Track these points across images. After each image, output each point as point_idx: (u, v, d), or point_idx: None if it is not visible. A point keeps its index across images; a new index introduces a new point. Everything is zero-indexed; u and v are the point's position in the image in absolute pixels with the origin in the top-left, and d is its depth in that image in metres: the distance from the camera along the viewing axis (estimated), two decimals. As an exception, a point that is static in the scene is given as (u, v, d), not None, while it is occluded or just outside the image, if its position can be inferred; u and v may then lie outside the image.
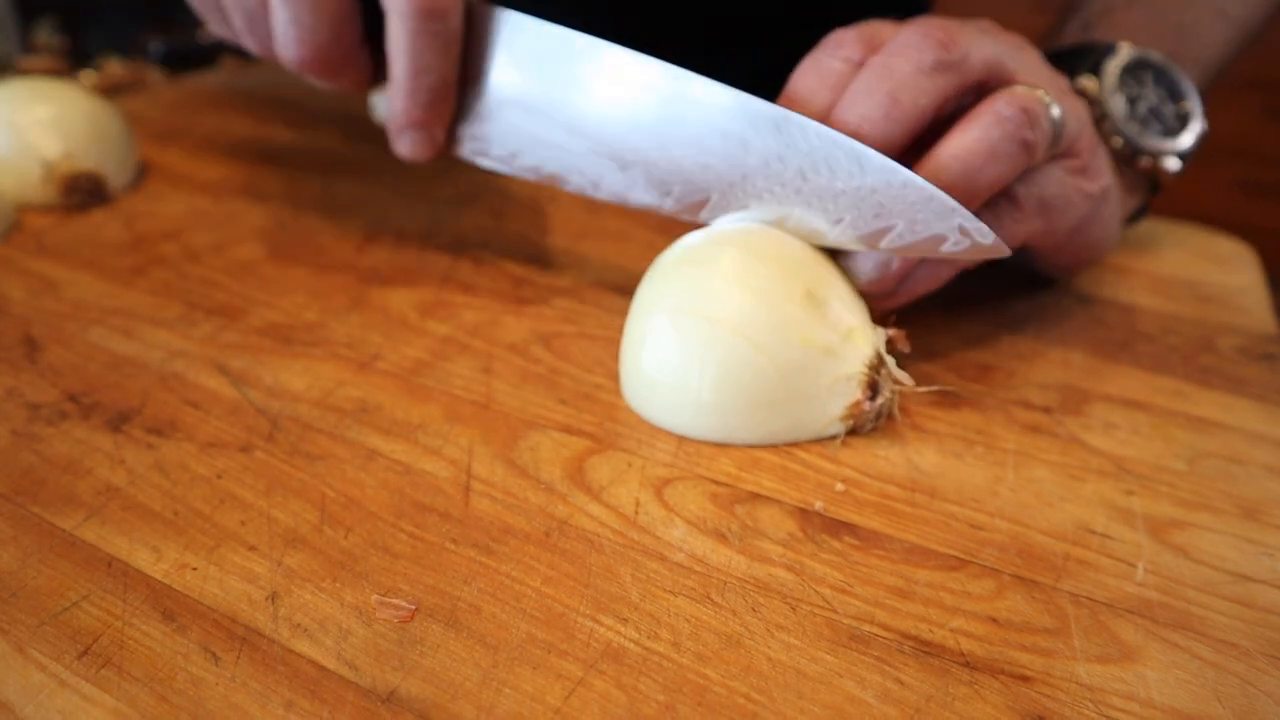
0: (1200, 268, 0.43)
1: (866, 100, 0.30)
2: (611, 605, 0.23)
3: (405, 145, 0.36)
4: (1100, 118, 0.36)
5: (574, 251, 0.42)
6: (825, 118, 0.31)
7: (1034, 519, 0.27)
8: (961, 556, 0.25)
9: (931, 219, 0.29)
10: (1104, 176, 0.34)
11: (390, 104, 0.35)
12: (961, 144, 0.29)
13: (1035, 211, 0.32)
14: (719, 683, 0.21)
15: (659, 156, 0.32)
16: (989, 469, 0.28)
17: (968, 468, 0.28)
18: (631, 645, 0.22)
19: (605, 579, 0.24)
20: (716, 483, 0.27)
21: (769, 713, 0.20)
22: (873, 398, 0.28)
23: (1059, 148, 0.32)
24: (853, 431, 0.29)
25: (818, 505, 0.27)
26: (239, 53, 0.65)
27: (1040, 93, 0.30)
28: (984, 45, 0.31)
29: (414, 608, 0.23)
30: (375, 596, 0.23)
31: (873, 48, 0.31)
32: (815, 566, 0.25)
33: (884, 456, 0.29)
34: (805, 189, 0.30)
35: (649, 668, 0.21)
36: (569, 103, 0.33)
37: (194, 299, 0.36)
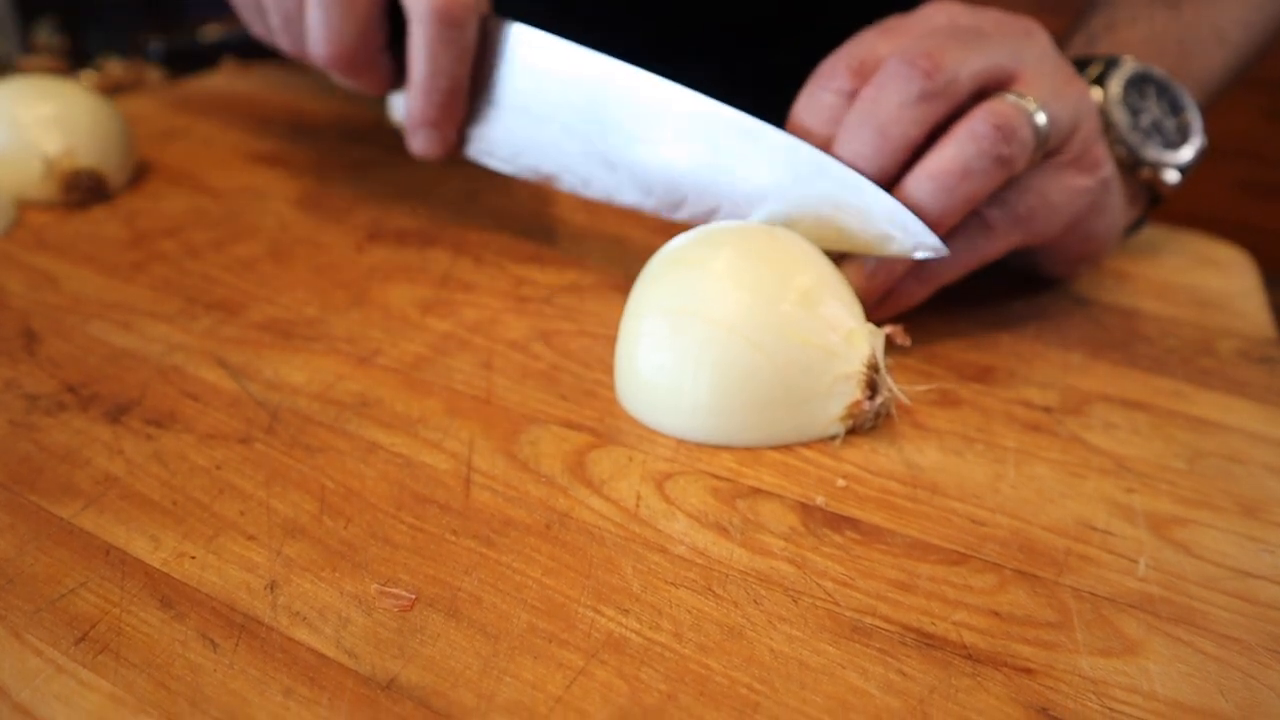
0: (1199, 273, 0.43)
1: (857, 137, 0.31)
2: (613, 596, 0.23)
3: (419, 143, 0.39)
4: (1104, 128, 0.36)
5: (574, 251, 0.42)
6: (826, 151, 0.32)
7: (1035, 515, 0.26)
8: (963, 551, 0.25)
9: (879, 219, 0.31)
10: (1103, 167, 0.34)
11: (408, 104, 0.38)
12: (937, 164, 0.31)
13: (1010, 227, 0.33)
14: (721, 673, 0.21)
15: (641, 159, 0.36)
16: (990, 466, 0.28)
17: (969, 465, 0.28)
18: (633, 635, 0.22)
19: (606, 570, 0.24)
20: (718, 477, 0.27)
21: (771, 703, 0.20)
22: (872, 397, 0.28)
23: (1049, 146, 0.32)
24: (852, 431, 0.29)
25: (819, 500, 0.27)
26: (239, 53, 0.65)
27: (1026, 101, 0.31)
28: (974, 58, 0.31)
29: (414, 597, 0.23)
30: (375, 586, 0.23)
31: (862, 76, 0.32)
32: (817, 560, 0.24)
33: (885, 453, 0.29)
34: (768, 191, 0.33)
35: (651, 658, 0.21)
36: (564, 109, 0.37)
37: (194, 294, 0.36)
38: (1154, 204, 0.40)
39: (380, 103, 0.42)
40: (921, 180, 0.31)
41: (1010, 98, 0.31)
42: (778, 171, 0.33)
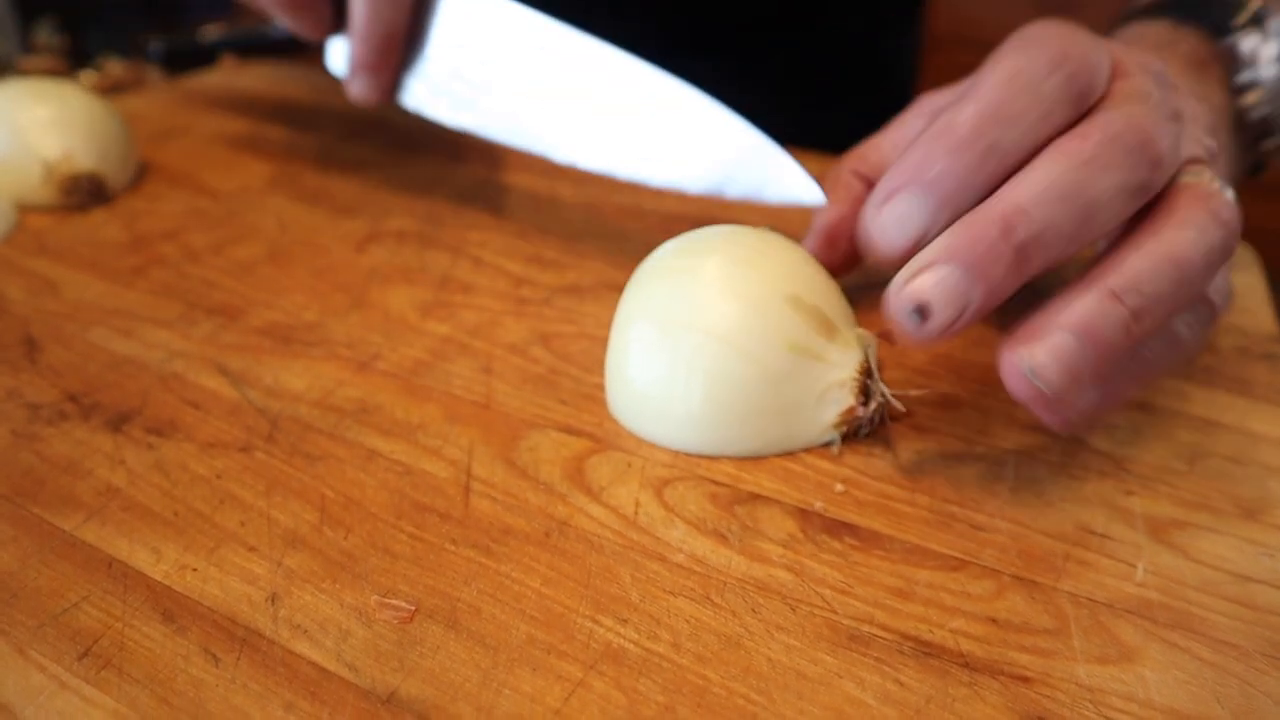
0: (1201, 267, 0.43)
1: (1058, 206, 0.24)
2: (611, 606, 0.23)
3: (357, 88, 0.41)
4: (1246, 86, 0.32)
5: (574, 251, 0.42)
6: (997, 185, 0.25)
7: (1034, 519, 0.26)
8: (961, 557, 0.25)
9: (766, 166, 0.32)
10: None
11: (348, 49, 0.41)
12: (1176, 249, 0.24)
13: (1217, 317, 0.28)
14: (719, 684, 0.21)
15: (570, 115, 0.38)
16: (989, 469, 0.28)
17: (968, 468, 0.28)
18: (631, 646, 0.22)
19: (605, 580, 0.24)
20: (716, 483, 0.27)
21: (768, 714, 0.20)
22: (865, 403, 0.28)
23: None
24: (847, 438, 0.29)
25: (818, 505, 0.27)
26: (238, 52, 0.65)
27: (1219, 183, 0.26)
28: (1185, 145, 0.26)
29: (414, 608, 0.23)
30: (375, 597, 0.23)
31: (1081, 104, 0.25)
32: (815, 567, 0.25)
33: (884, 456, 0.29)
34: (658, 136, 0.35)
35: (649, 669, 0.21)
36: (498, 62, 0.39)
37: (194, 299, 0.36)
38: (1255, 172, 0.36)
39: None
40: (1159, 263, 0.24)
41: (1213, 182, 0.26)
42: (702, 139, 0.34)
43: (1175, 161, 0.25)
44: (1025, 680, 0.21)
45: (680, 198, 0.47)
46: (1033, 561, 0.25)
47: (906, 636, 0.22)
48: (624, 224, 0.45)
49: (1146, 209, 0.25)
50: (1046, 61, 0.25)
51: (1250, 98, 0.33)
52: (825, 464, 0.28)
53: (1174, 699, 0.21)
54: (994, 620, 0.23)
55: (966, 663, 0.22)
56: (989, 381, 0.33)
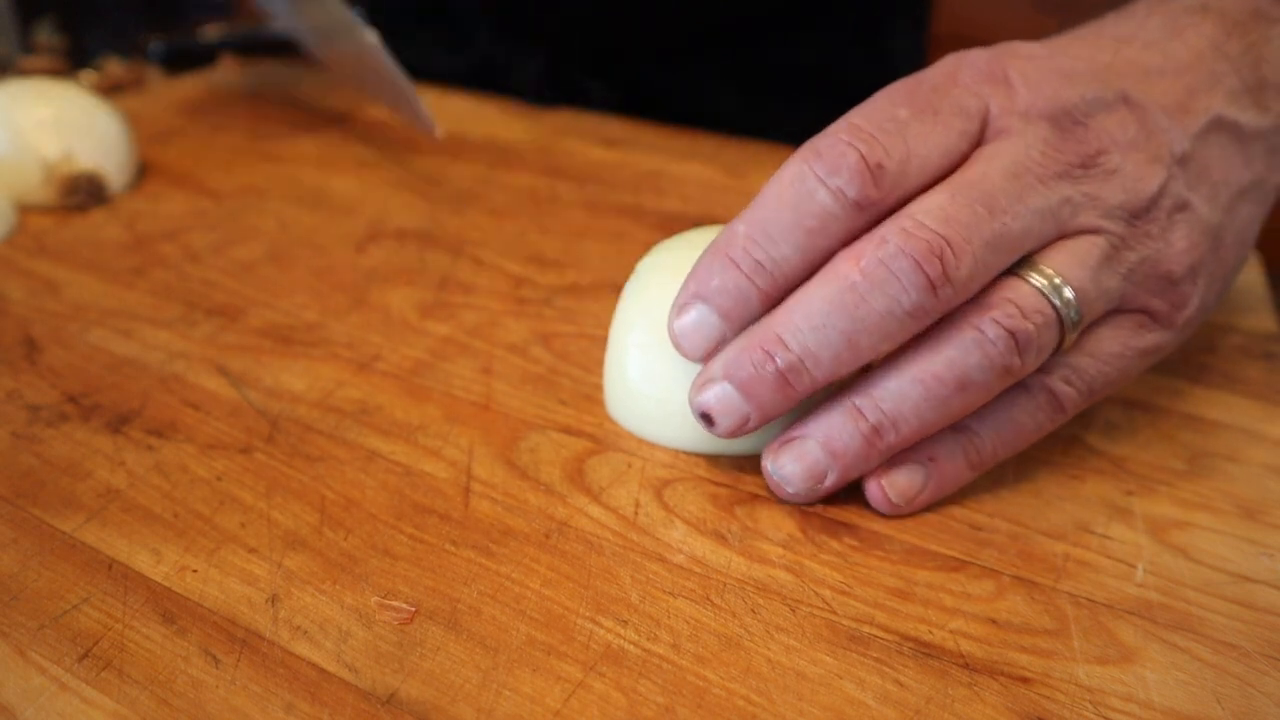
0: (1201, 266, 0.43)
1: (818, 335, 0.24)
2: (611, 607, 0.23)
3: None
4: None
5: (574, 251, 0.42)
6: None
7: (1034, 519, 0.27)
8: (961, 557, 0.25)
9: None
10: (1186, 309, 0.27)
11: None
12: (929, 369, 0.24)
13: (993, 441, 0.27)
14: (718, 684, 0.21)
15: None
16: (989, 469, 0.28)
17: (967, 468, 0.28)
18: (631, 647, 0.22)
19: (605, 580, 0.24)
20: (716, 484, 0.27)
21: (768, 714, 0.20)
22: None
23: (1087, 322, 0.25)
24: None
25: (817, 505, 0.27)
26: (238, 52, 0.65)
27: (1050, 279, 0.24)
28: (986, 256, 0.23)
29: (414, 610, 0.23)
30: (375, 598, 0.23)
31: (865, 205, 0.24)
32: (815, 568, 0.25)
33: (884, 457, 0.29)
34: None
35: (648, 669, 0.21)
36: None
37: (194, 299, 0.36)
38: None
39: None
40: (906, 384, 0.24)
41: (1033, 280, 0.24)
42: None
43: (973, 279, 0.23)
44: (1025, 681, 0.21)
45: (680, 197, 0.47)
46: (1032, 562, 0.25)
47: (906, 637, 0.23)
48: (624, 224, 0.45)
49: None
50: (824, 167, 0.24)
51: None
52: (825, 464, 0.28)
53: (1174, 699, 0.21)
54: (994, 621, 0.23)
55: (966, 663, 0.22)
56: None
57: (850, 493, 0.27)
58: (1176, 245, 0.26)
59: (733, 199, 0.47)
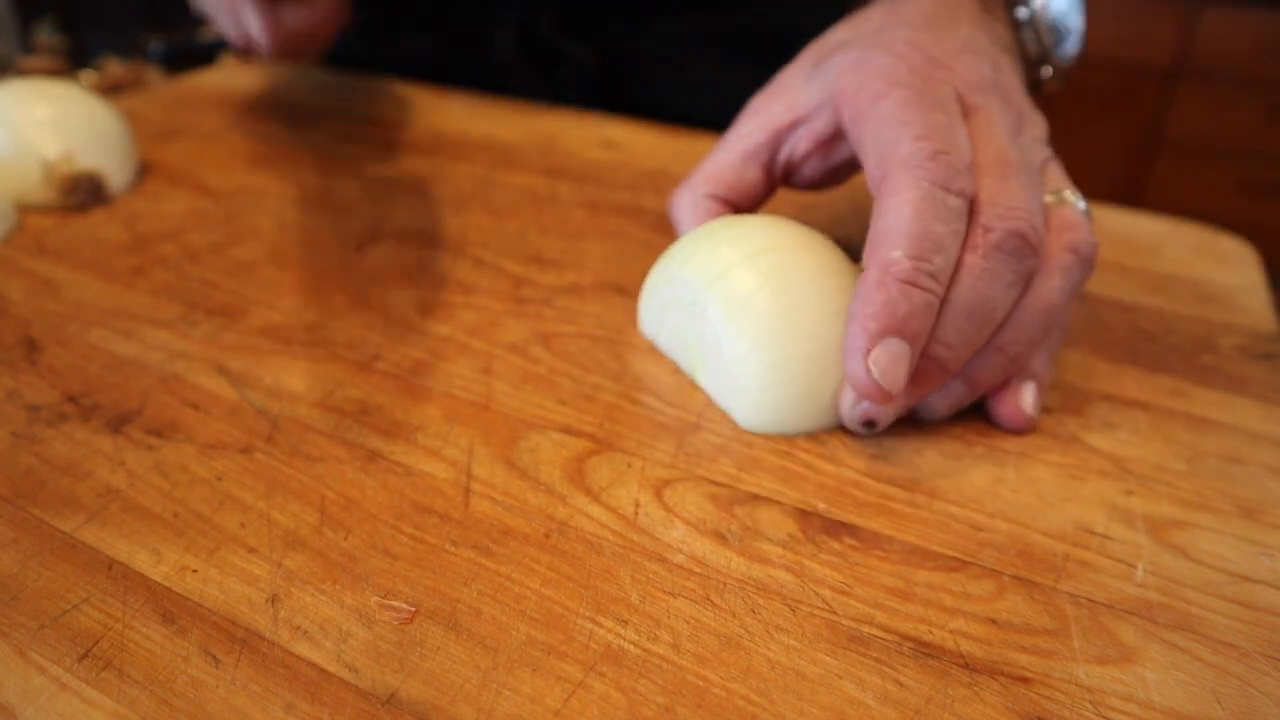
0: (1201, 266, 0.43)
1: (969, 323, 0.28)
2: (611, 607, 0.23)
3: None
4: (1023, 21, 0.37)
5: (574, 251, 0.42)
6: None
7: (1034, 519, 0.27)
8: (961, 558, 0.25)
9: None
10: None
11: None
12: (1045, 300, 0.29)
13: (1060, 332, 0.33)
14: (718, 684, 0.21)
15: None
16: (989, 469, 0.28)
17: (968, 468, 0.28)
18: (631, 647, 0.22)
19: (605, 581, 0.24)
20: (716, 484, 0.27)
21: (768, 714, 0.20)
22: None
23: None
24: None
25: (818, 506, 0.27)
26: (239, 52, 0.65)
27: (1077, 201, 0.31)
28: (1042, 209, 0.30)
29: (414, 610, 0.23)
30: (375, 598, 0.23)
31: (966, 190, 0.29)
32: (815, 568, 0.25)
33: (884, 457, 0.29)
34: None
35: (648, 669, 0.21)
36: None
37: (194, 299, 0.36)
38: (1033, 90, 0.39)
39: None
40: (1034, 315, 0.29)
41: (1067, 198, 0.31)
42: None
43: (1045, 227, 0.30)
44: (1025, 681, 0.21)
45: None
46: (1033, 562, 0.25)
47: (906, 637, 0.23)
48: (624, 224, 0.45)
49: None
50: (940, 179, 0.28)
51: (1026, 32, 0.37)
52: (826, 464, 0.28)
53: (1174, 699, 0.21)
54: (994, 621, 0.23)
55: (966, 663, 0.22)
56: (989, 381, 0.33)
57: (850, 492, 0.27)
58: None
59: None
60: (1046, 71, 0.38)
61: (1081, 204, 0.31)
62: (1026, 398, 0.30)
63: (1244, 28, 1.83)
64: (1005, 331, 0.29)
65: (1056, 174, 0.32)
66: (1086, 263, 0.30)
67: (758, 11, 0.61)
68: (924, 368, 0.28)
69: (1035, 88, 0.39)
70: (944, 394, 0.30)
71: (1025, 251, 0.28)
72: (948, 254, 0.28)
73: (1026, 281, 0.29)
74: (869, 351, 0.27)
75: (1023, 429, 0.30)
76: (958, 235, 0.28)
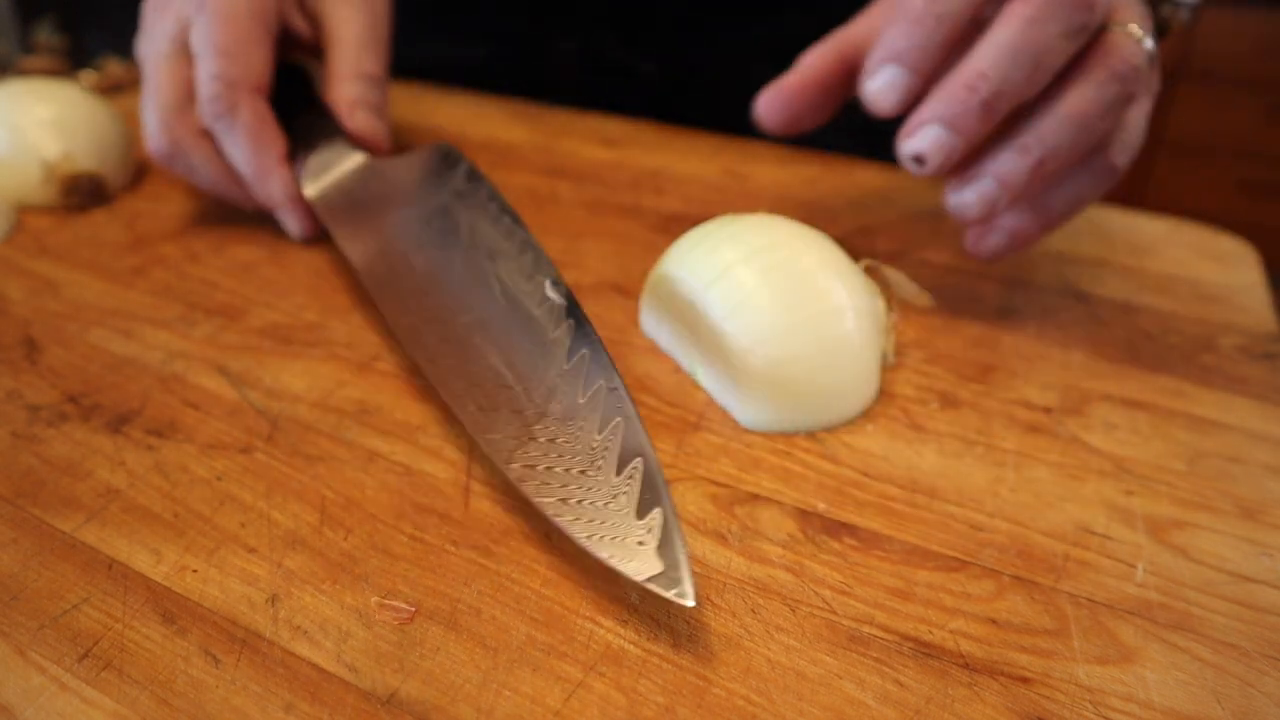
0: (1201, 266, 0.43)
1: (1012, 62, 0.30)
2: (611, 607, 0.23)
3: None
4: None
5: (574, 251, 0.42)
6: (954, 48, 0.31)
7: (1034, 520, 0.27)
8: (961, 557, 0.25)
9: None
10: (1155, 84, 0.34)
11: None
12: (1078, 104, 0.30)
13: (1125, 163, 0.34)
14: (718, 684, 0.21)
15: None
16: (989, 469, 0.28)
17: (968, 468, 0.28)
18: (631, 647, 0.22)
19: (605, 580, 0.24)
20: (716, 484, 0.27)
21: (768, 714, 0.20)
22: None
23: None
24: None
25: (818, 506, 0.27)
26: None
27: (1138, 31, 0.31)
28: None
29: (414, 610, 0.23)
30: (375, 598, 0.23)
31: None
32: (815, 568, 0.25)
33: (884, 457, 0.29)
34: None
35: (648, 669, 0.21)
36: None
37: (194, 299, 0.36)
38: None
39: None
40: (1061, 120, 0.30)
41: (1130, 29, 0.31)
42: None
43: (1104, 4, 0.30)
44: (1025, 681, 0.21)
45: (681, 197, 0.47)
46: (1032, 562, 0.25)
47: (906, 637, 0.23)
48: (624, 224, 0.45)
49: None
50: None
51: None
52: (826, 464, 0.28)
53: (1174, 699, 0.21)
54: (994, 621, 0.23)
55: (966, 663, 0.22)
56: (989, 381, 0.33)
57: (850, 492, 0.27)
58: None
59: (733, 199, 0.47)
60: (1166, 9, 0.39)
61: (1148, 42, 0.31)
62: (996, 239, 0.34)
63: (1244, 28, 1.83)
64: (1028, 132, 0.31)
65: (1135, 10, 0.32)
66: (1123, 79, 0.30)
67: (819, 17, 0.60)
68: (960, 96, 0.30)
69: (1162, 30, 0.40)
70: (973, 186, 0.32)
71: (1080, 4, 0.29)
72: (962, 3, 0.30)
73: (1072, 48, 0.30)
74: (873, 74, 0.31)
75: (982, 259, 0.35)
76: None
